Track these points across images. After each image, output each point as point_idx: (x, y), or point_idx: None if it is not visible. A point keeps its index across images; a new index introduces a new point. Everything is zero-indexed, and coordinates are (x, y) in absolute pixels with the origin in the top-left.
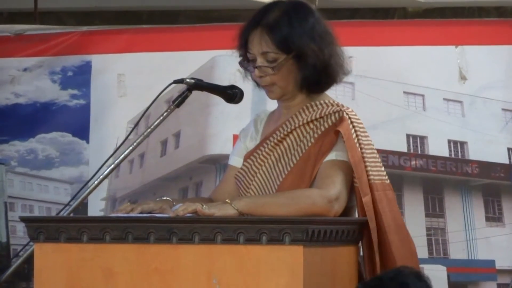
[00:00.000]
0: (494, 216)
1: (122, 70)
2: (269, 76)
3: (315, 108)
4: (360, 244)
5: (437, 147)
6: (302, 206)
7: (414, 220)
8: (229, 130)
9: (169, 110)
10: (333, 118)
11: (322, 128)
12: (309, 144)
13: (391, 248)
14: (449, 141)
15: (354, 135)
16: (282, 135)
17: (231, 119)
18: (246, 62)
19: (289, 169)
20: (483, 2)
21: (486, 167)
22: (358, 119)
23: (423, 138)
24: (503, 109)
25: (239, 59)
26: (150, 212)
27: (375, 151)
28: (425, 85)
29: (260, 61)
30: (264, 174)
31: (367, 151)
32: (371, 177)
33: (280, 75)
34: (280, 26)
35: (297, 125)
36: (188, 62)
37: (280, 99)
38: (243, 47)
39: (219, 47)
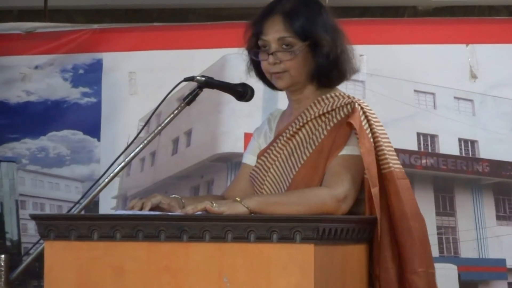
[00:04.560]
0: (505, 215)
1: (133, 68)
2: (283, 62)
3: (326, 101)
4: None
5: (448, 146)
6: (312, 205)
7: (425, 218)
8: (240, 128)
9: (179, 108)
10: (345, 110)
11: (335, 120)
12: (322, 136)
13: (412, 233)
14: (459, 140)
15: (366, 126)
16: (294, 130)
17: (242, 117)
18: (257, 50)
19: (302, 162)
20: (494, 0)
21: (497, 166)
22: (371, 110)
23: (433, 137)
24: None
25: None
26: (159, 206)
27: (390, 141)
28: (436, 83)
29: (274, 47)
30: (277, 169)
31: (383, 139)
32: (391, 164)
33: (296, 62)
34: (297, 14)
35: (309, 119)
36: (199, 60)
37: (289, 88)
38: (255, 35)
39: (229, 45)
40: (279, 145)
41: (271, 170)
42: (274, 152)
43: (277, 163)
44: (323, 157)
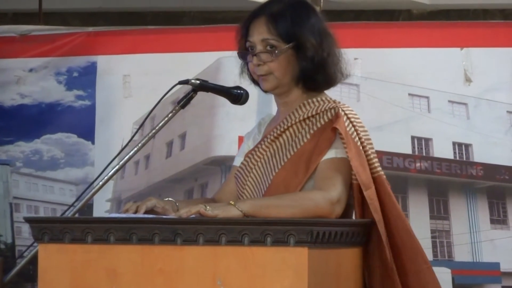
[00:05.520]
0: (498, 219)
1: (128, 71)
2: (267, 64)
3: (312, 105)
4: None
5: (442, 149)
6: (306, 208)
7: (419, 222)
8: (235, 131)
9: (174, 111)
10: (328, 114)
11: (318, 125)
12: (304, 140)
13: (411, 233)
14: (453, 143)
15: (352, 131)
16: (278, 132)
17: (237, 121)
18: (245, 52)
19: (282, 164)
20: (488, 4)
21: (491, 170)
22: (355, 114)
23: (428, 140)
24: (508, 112)
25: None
26: (153, 209)
27: (373, 146)
28: (430, 87)
29: (259, 48)
30: (259, 169)
31: (368, 145)
32: (379, 168)
33: (278, 64)
34: (283, 16)
35: (293, 122)
36: (193, 63)
37: (274, 91)
38: (243, 37)
39: (224, 48)
40: (263, 146)
41: (253, 171)
42: (258, 153)
43: (259, 164)
44: (304, 160)
